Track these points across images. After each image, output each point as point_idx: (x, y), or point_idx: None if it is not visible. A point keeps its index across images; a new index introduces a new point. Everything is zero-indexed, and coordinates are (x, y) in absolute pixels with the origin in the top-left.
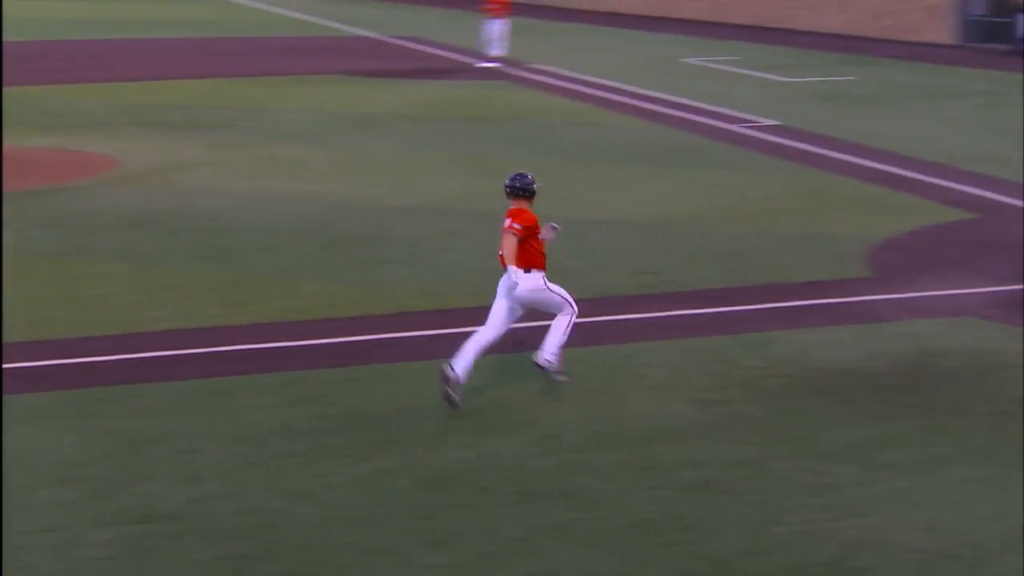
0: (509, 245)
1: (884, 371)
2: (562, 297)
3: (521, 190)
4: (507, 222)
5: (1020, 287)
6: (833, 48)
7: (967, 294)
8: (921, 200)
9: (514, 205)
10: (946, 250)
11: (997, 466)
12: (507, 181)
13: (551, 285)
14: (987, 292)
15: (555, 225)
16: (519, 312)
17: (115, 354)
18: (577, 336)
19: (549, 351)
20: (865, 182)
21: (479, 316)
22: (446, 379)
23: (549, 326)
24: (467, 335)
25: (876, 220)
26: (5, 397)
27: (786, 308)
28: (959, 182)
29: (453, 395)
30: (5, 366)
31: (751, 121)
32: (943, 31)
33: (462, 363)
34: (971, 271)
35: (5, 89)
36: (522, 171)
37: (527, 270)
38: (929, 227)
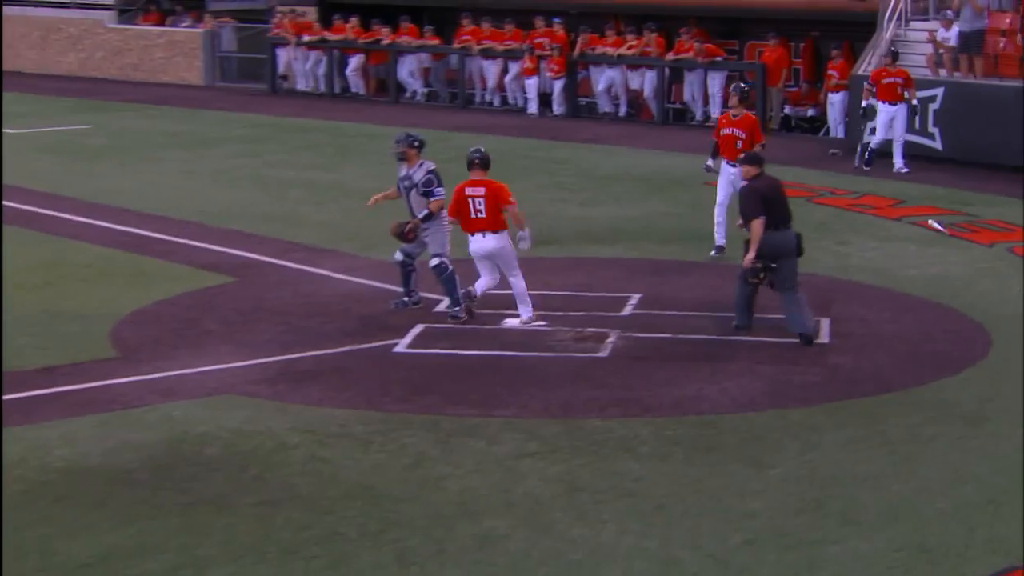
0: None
1: (136, 465)
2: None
3: (487, 161)
4: (508, 197)
5: (283, 357)
6: (67, 92)
7: (226, 369)
8: (171, 264)
9: (476, 175)
10: (201, 321)
11: (266, 563)
12: (473, 153)
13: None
14: (248, 366)
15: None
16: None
17: None
18: None
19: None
20: (107, 247)
21: None
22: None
23: None
24: None
25: (120, 291)
26: None
27: (19, 400)
28: (213, 242)
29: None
30: None
31: None
32: (193, 70)
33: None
34: (229, 343)
35: None
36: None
37: (497, 231)
38: (181, 295)
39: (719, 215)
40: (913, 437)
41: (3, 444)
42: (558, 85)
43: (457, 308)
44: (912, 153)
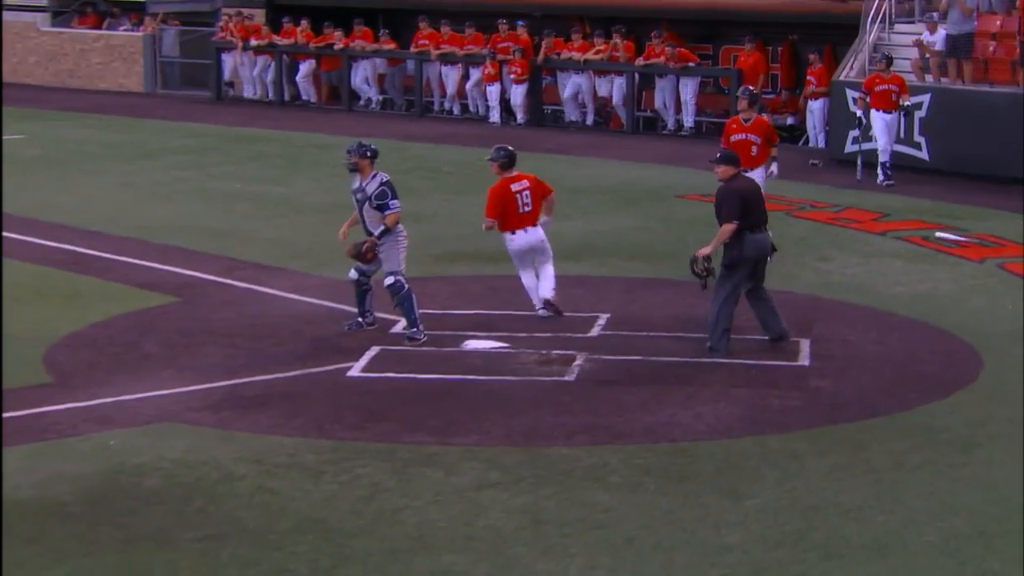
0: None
1: (70, 498)
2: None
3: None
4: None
5: (229, 382)
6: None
7: (167, 396)
8: (109, 284)
9: (511, 173)
10: (140, 344)
11: None
12: (502, 152)
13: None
14: (191, 391)
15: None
16: None
17: None
18: None
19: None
20: (40, 265)
21: None
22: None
23: None
24: None
25: (55, 312)
26: None
27: None
28: (154, 259)
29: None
30: None
31: None
32: (133, 76)
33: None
34: (171, 367)
35: None
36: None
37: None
38: (119, 317)
39: None
40: (899, 465)
41: None
42: (520, 90)
43: (414, 329)
44: (897, 163)
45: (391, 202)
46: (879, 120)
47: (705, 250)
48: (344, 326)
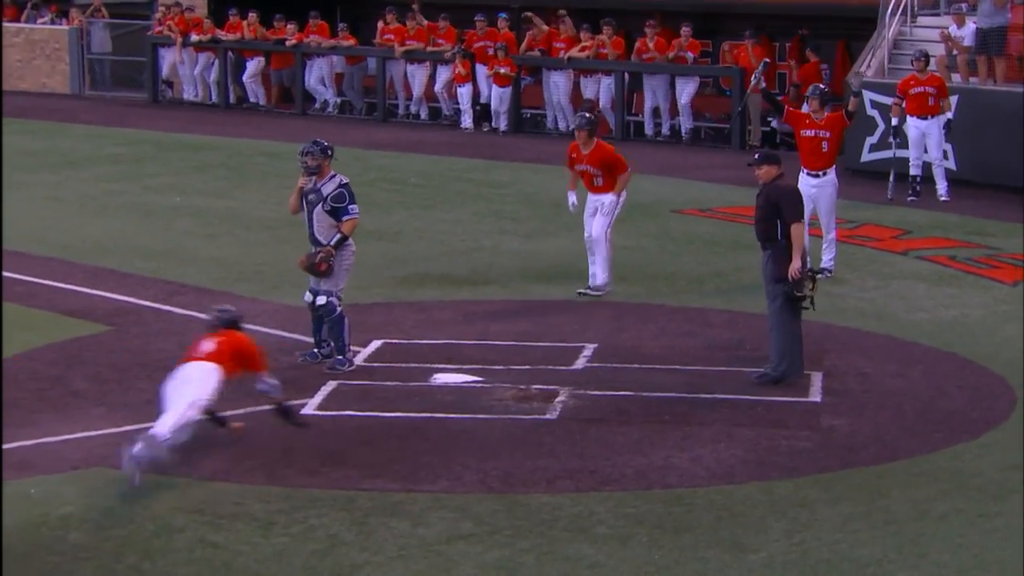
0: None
1: None
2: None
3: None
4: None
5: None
6: None
7: (97, 437)
8: (31, 311)
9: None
10: (67, 378)
11: None
12: (584, 119)
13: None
14: (124, 432)
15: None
16: None
17: None
18: None
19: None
20: None
21: None
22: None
23: None
24: None
25: None
26: None
27: None
28: (82, 283)
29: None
30: None
31: None
32: (58, 75)
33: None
34: (102, 405)
35: None
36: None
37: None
38: (43, 348)
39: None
40: (923, 514)
41: None
42: (505, 94)
43: (340, 358)
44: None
45: (350, 207)
46: (912, 128)
47: (797, 264)
48: (299, 357)
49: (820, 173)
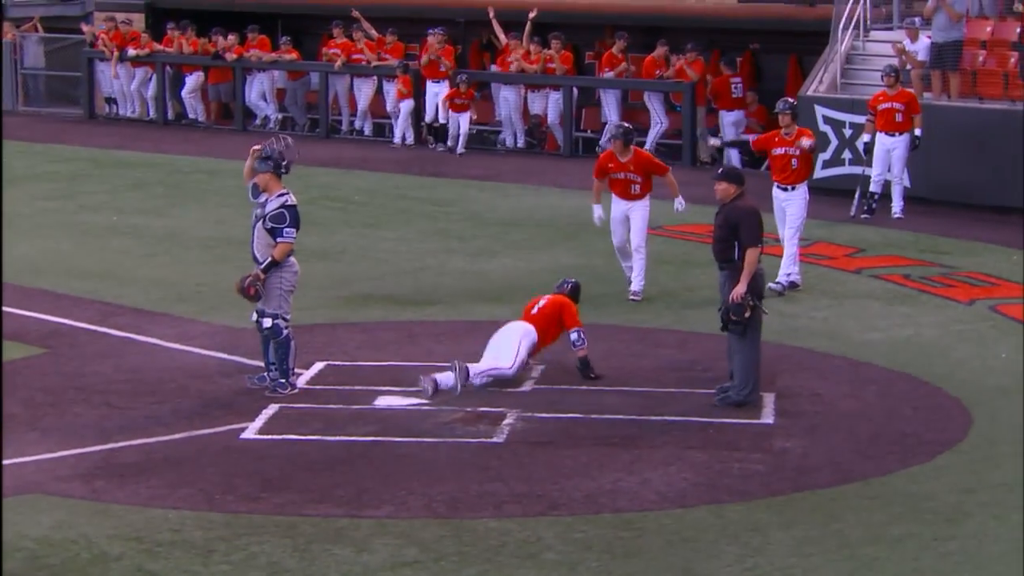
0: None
1: None
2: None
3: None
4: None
5: (103, 447)
6: None
7: (30, 463)
8: None
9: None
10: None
11: None
12: (621, 129)
13: None
14: (59, 458)
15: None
16: None
17: None
18: None
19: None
20: None
21: None
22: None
23: None
24: None
25: None
26: None
27: None
28: (15, 304)
29: None
30: None
31: None
32: None
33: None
34: (35, 430)
35: None
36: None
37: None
38: None
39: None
40: (877, 538)
41: None
42: (464, 119)
43: (283, 382)
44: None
45: (286, 230)
46: (878, 144)
47: (742, 289)
48: (247, 381)
49: (790, 187)
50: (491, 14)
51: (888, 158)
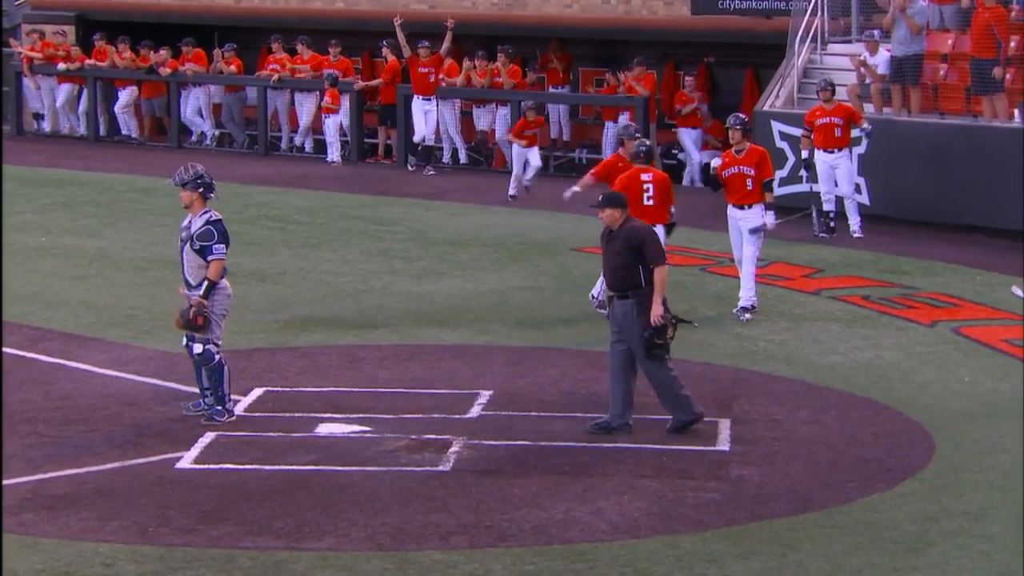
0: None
1: None
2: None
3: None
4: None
5: (31, 478)
6: None
7: None
8: None
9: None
10: None
11: None
12: (644, 145)
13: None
14: None
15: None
16: None
17: None
18: None
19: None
20: None
21: None
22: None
23: None
24: None
25: None
26: None
27: None
28: None
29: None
30: None
31: None
32: None
33: None
34: None
35: None
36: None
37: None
38: None
39: (741, 271)
40: (836, 569)
41: None
42: (531, 156)
43: (218, 409)
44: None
45: (215, 246)
46: (819, 162)
47: (659, 309)
48: (182, 408)
49: (746, 207)
50: (397, 22)
51: (833, 175)
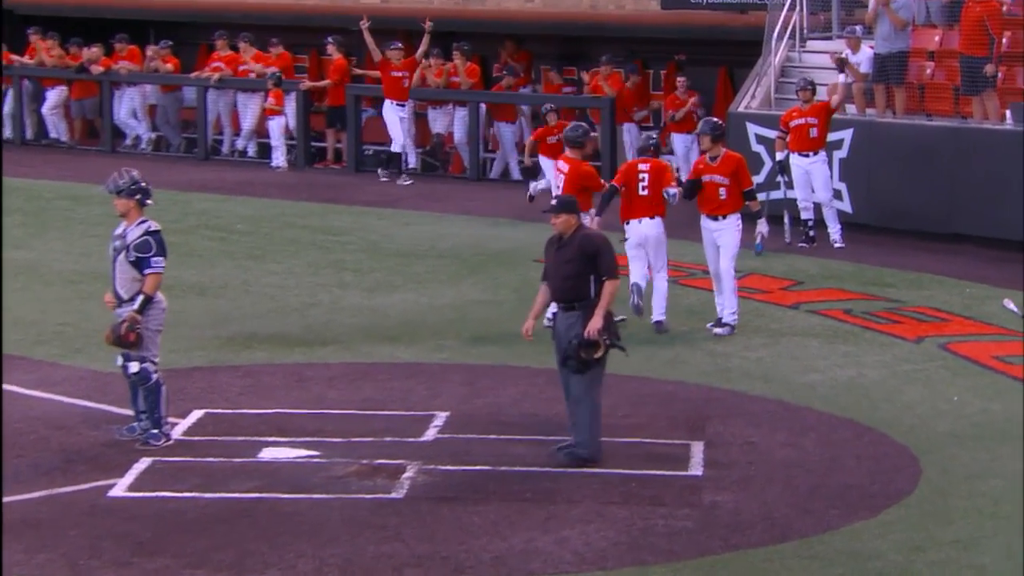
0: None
1: None
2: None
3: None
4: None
5: None
6: None
7: None
8: None
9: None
10: None
11: None
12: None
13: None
14: None
15: None
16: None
17: None
18: None
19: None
20: None
21: None
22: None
23: None
24: None
25: None
26: None
27: None
28: None
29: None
30: None
31: None
32: None
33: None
34: None
35: None
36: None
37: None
38: None
39: (716, 287)
40: None
41: None
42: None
43: (155, 432)
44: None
45: (153, 259)
46: (794, 166)
47: (599, 323)
48: (115, 432)
49: (721, 217)
50: (364, 23)
51: (808, 180)
